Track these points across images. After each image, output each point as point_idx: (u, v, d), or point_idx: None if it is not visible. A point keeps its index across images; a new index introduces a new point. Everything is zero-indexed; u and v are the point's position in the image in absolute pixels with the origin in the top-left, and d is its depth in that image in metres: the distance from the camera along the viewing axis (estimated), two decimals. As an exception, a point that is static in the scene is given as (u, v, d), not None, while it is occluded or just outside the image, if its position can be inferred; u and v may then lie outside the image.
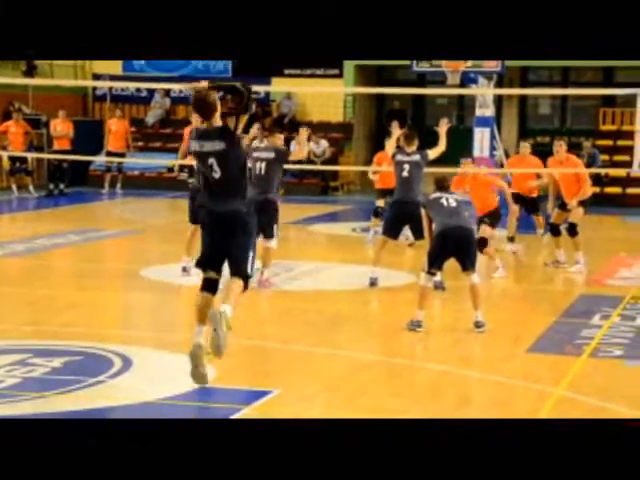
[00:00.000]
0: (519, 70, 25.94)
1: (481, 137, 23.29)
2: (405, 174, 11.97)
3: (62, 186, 23.01)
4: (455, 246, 9.92)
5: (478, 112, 23.38)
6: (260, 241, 11.62)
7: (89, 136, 24.31)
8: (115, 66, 26.75)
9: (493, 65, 22.63)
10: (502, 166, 22.60)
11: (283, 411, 7.16)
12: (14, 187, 22.65)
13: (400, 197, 12.01)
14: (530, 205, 14.96)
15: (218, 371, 8.19)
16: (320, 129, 25.57)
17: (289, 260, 13.47)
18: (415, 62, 22.95)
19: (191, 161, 17.19)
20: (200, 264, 7.45)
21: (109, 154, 23.66)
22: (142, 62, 27.18)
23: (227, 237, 7.22)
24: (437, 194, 10.31)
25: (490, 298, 11.49)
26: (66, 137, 23.10)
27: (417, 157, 12.07)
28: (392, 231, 12.11)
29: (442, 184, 10.40)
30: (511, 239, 15.08)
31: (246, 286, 7.38)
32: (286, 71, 25.93)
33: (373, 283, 12.11)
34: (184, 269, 12.44)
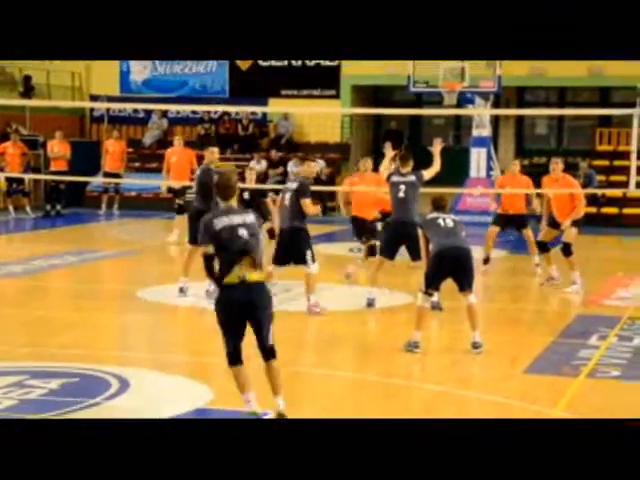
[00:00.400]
0: (515, 90, 26.03)
1: (478, 157, 23.38)
2: (401, 195, 11.99)
3: (59, 207, 23.02)
4: (452, 266, 9.92)
5: (475, 132, 23.47)
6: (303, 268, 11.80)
7: (86, 157, 24.34)
8: (112, 87, 26.84)
9: (490, 85, 22.72)
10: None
11: (280, 433, 7.13)
12: (11, 208, 22.64)
13: (397, 218, 12.04)
14: (519, 223, 15.11)
15: (215, 393, 8.19)
16: (317, 150, 25.62)
17: (287, 280, 13.46)
18: (412, 83, 23.03)
19: (177, 181, 17.64)
20: (233, 359, 7.50)
21: (106, 175, 23.65)
22: (139, 83, 27.27)
23: (259, 309, 7.40)
24: (434, 214, 10.31)
25: (487, 319, 11.48)
26: (63, 158, 23.12)
27: (412, 178, 12.10)
28: (388, 252, 12.13)
29: (439, 204, 10.41)
30: (485, 261, 14.96)
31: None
32: (283, 92, 26.02)
33: (370, 304, 12.11)
34: (181, 290, 12.45)
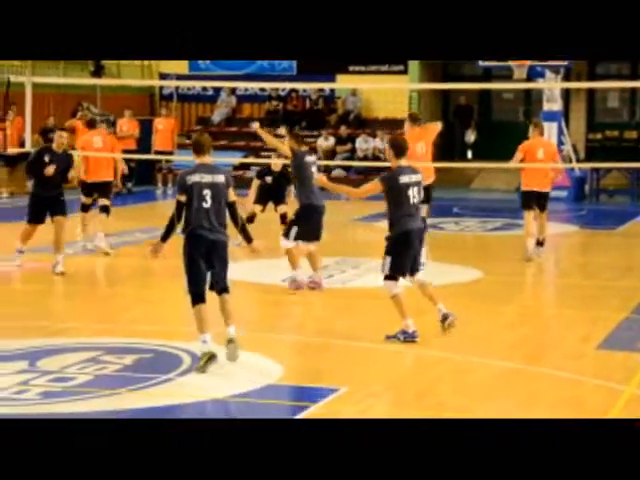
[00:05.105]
0: (587, 63, 25.60)
1: (548, 132, 23.07)
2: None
3: (130, 185, 23.26)
4: (416, 249, 9.25)
5: (545, 106, 23.16)
6: None
7: (156, 135, 24.51)
8: (181, 65, 26.98)
9: (560, 58, 22.40)
10: (570, 161, 22.39)
11: (349, 409, 7.16)
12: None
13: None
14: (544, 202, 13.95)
15: (285, 369, 8.24)
16: (385, 125, 25.53)
17: (355, 257, 13.46)
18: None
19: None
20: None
21: (157, 153, 23.72)
22: (208, 61, 27.38)
23: None
24: (405, 178, 9.09)
25: (559, 295, 11.38)
26: (131, 137, 23.32)
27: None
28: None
29: (405, 147, 9.21)
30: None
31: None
32: (350, 68, 25.93)
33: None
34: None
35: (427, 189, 13.50)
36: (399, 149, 9.19)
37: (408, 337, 9.15)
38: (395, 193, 9.11)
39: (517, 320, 10.51)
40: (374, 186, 9.31)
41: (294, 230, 11.22)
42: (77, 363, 8.31)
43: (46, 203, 12.55)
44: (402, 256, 9.13)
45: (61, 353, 8.68)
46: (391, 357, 8.90)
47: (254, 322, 10.63)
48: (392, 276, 9.17)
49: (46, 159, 12.51)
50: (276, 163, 14.99)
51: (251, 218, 14.91)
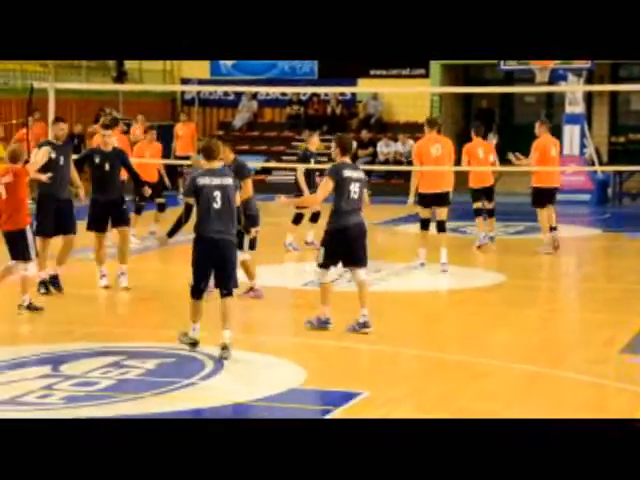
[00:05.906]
0: (609, 66, 25.49)
1: (571, 135, 23.02)
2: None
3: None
4: (351, 244, 9.64)
5: (568, 109, 23.11)
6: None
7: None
8: (203, 70, 27.08)
9: (583, 62, 22.31)
10: (593, 163, 22.32)
11: (372, 414, 7.15)
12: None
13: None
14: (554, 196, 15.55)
15: (308, 373, 8.24)
16: (407, 129, 25.53)
17: (377, 261, 13.44)
18: (503, 60, 22.75)
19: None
20: None
21: (177, 158, 23.68)
22: (229, 66, 27.47)
23: None
24: (348, 172, 9.66)
25: (581, 298, 11.32)
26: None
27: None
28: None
29: (348, 148, 9.83)
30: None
31: None
32: (372, 72, 25.94)
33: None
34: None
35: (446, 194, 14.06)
36: (344, 147, 9.85)
37: (322, 324, 9.73)
38: (338, 185, 9.63)
39: (540, 324, 10.47)
40: (326, 185, 9.73)
41: (246, 240, 11.27)
42: (100, 367, 8.34)
43: (106, 209, 11.71)
44: (335, 249, 9.66)
45: (84, 358, 8.72)
46: (413, 361, 8.89)
47: (277, 326, 10.65)
48: (324, 265, 9.68)
49: (97, 160, 11.76)
50: (313, 143, 15.39)
51: (315, 216, 14.87)
